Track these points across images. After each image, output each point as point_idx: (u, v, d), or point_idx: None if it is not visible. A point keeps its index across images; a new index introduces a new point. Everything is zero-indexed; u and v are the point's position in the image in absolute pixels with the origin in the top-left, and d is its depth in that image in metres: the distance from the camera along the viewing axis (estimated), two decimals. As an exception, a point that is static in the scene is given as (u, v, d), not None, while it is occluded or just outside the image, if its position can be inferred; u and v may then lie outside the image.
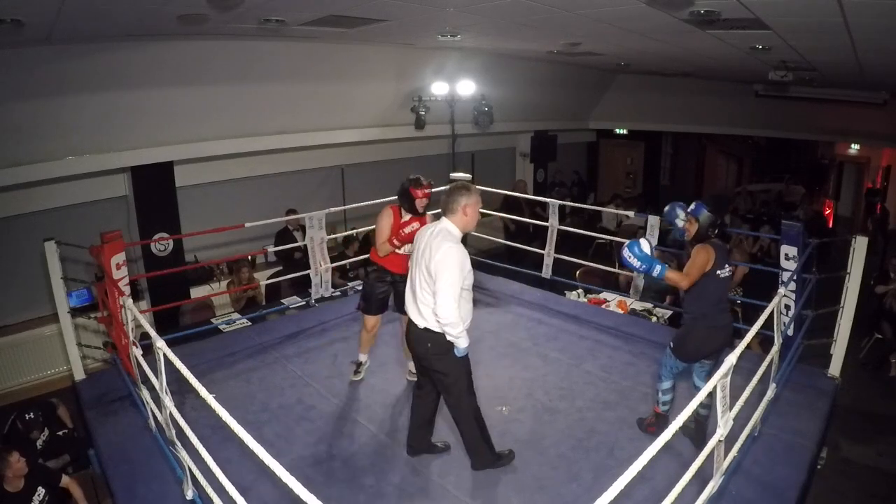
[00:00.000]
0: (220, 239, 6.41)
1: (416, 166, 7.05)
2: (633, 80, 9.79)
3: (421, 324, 2.74)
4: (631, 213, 5.67)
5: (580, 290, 5.57)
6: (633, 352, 4.23)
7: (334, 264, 5.34)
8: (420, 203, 3.54)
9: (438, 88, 7.21)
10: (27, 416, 3.93)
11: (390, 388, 3.78)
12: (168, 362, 2.33)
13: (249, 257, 6.37)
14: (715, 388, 2.11)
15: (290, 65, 5.94)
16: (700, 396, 2.05)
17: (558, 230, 5.29)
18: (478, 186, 6.37)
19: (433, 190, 3.61)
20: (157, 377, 2.47)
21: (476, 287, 5.45)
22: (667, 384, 3.12)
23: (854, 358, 5.43)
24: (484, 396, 3.60)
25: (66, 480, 3.51)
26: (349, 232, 6.41)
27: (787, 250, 3.99)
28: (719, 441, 2.17)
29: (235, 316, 4.96)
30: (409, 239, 3.34)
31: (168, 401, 2.44)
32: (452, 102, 7.48)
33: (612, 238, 6.73)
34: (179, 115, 5.65)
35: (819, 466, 3.22)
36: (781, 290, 3.14)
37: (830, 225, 10.76)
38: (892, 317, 5.99)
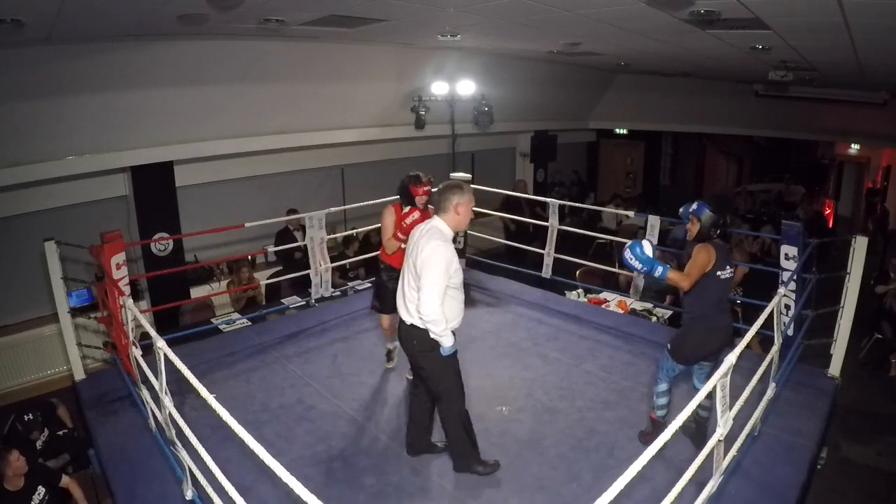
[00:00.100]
0: (220, 239, 6.41)
1: (416, 166, 7.02)
2: (633, 80, 9.79)
3: (408, 320, 2.75)
4: (631, 213, 5.67)
5: (580, 290, 5.57)
6: (633, 352, 4.23)
7: (334, 264, 5.34)
8: (420, 200, 3.56)
9: (438, 88, 7.21)
10: (26, 418, 3.93)
11: (390, 388, 3.78)
12: (168, 362, 2.33)
13: (249, 257, 6.37)
14: (715, 387, 2.11)
15: (290, 65, 5.94)
16: (700, 396, 2.05)
17: (558, 230, 5.30)
18: (478, 186, 6.38)
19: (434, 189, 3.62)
20: (157, 377, 2.47)
21: (476, 287, 5.53)
22: (663, 387, 3.07)
23: (854, 358, 5.43)
24: (484, 396, 3.63)
25: (66, 480, 3.51)
26: (349, 232, 6.41)
27: (787, 250, 3.99)
28: (719, 441, 2.17)
29: (235, 316, 4.96)
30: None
31: (168, 401, 2.45)
32: (452, 102, 7.48)
33: (612, 238, 6.73)
34: (179, 115, 5.65)
35: (819, 466, 3.22)
36: (781, 290, 3.14)
37: (830, 225, 10.76)
38: (892, 317, 5.99)
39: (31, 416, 3.96)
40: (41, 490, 3.34)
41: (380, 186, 6.14)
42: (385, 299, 3.72)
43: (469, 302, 5.22)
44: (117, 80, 4.99)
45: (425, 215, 3.46)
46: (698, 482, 2.13)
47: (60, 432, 4.16)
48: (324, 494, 1.54)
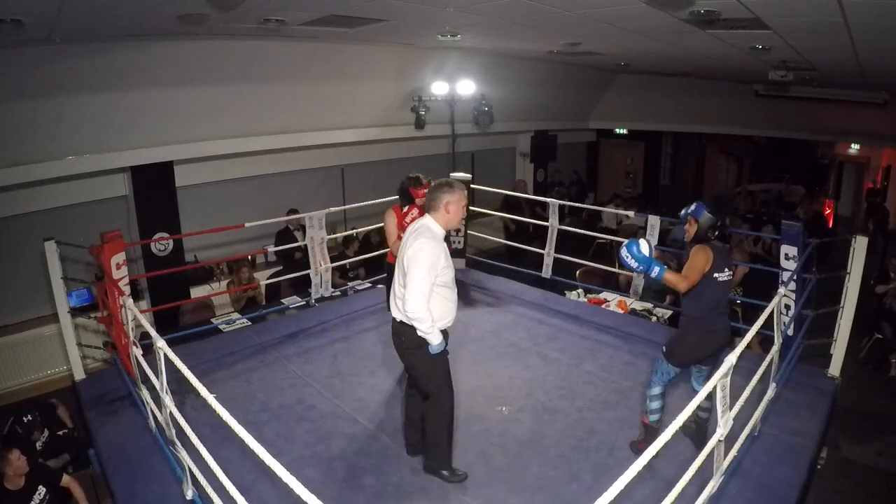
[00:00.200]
0: (220, 239, 6.41)
1: (416, 166, 7.03)
2: (633, 80, 9.79)
3: (397, 317, 2.75)
4: (631, 213, 5.67)
5: (580, 290, 5.57)
6: (633, 352, 4.23)
7: (334, 264, 5.34)
8: (420, 202, 3.56)
9: (438, 88, 7.21)
10: (25, 419, 3.94)
11: (390, 388, 3.78)
12: (168, 362, 2.34)
13: (249, 257, 6.37)
14: (715, 388, 2.11)
15: (290, 65, 5.94)
16: (700, 397, 2.05)
17: (558, 230, 5.30)
18: (478, 186, 6.36)
19: None
20: (157, 377, 2.47)
21: (476, 287, 5.53)
22: (656, 390, 3.00)
23: (854, 358, 5.42)
24: (484, 396, 3.63)
25: (66, 479, 3.51)
26: (349, 232, 6.42)
27: (787, 250, 3.98)
28: (719, 441, 2.17)
29: (235, 316, 4.96)
30: None
31: (168, 400, 2.45)
32: (452, 102, 7.48)
33: (612, 238, 6.73)
34: (179, 115, 5.65)
35: (819, 466, 3.22)
36: (781, 290, 3.14)
37: (830, 225, 10.76)
38: (892, 317, 5.99)
39: (30, 417, 3.96)
40: (42, 490, 3.34)
41: (380, 186, 6.14)
42: None
43: (469, 302, 5.27)
44: (117, 80, 4.99)
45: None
46: (699, 482, 2.13)
47: (60, 432, 4.16)
48: (324, 494, 1.54)
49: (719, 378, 2.11)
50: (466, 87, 7.23)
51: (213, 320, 4.91)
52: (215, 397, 2.05)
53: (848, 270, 3.71)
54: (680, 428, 1.82)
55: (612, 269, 5.59)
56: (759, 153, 13.02)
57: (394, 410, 3.52)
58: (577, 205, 7.62)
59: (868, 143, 10.72)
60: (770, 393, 3.03)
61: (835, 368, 3.74)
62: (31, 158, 4.98)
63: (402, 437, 3.14)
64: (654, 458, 1.64)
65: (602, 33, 4.88)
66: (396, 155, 8.28)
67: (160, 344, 2.36)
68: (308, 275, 5.05)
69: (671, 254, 4.95)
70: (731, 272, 2.90)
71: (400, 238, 3.51)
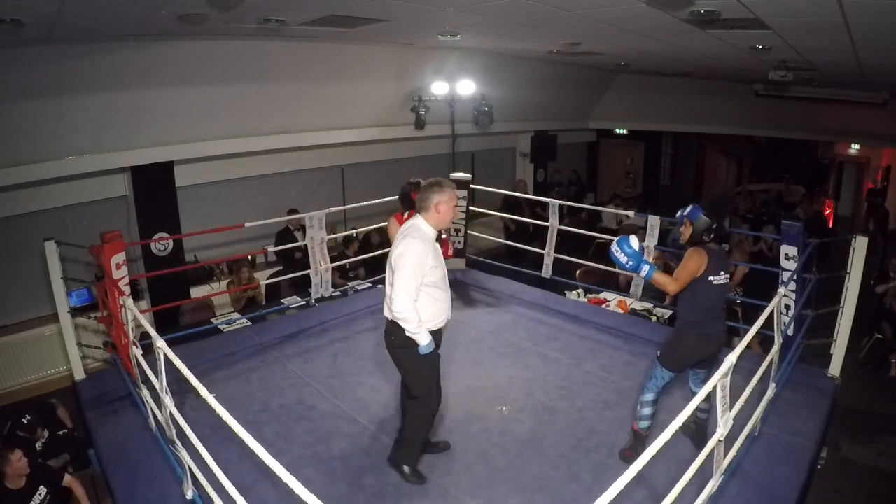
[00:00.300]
0: (220, 239, 6.41)
1: (416, 166, 7.06)
2: (633, 80, 9.79)
3: (388, 316, 2.76)
4: (631, 213, 5.67)
5: (580, 290, 5.57)
6: (633, 352, 4.23)
7: (334, 264, 5.34)
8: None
9: (438, 88, 7.21)
10: (24, 420, 3.94)
11: (390, 388, 3.77)
12: (168, 362, 2.33)
13: (249, 257, 6.37)
14: (715, 387, 2.11)
15: (290, 65, 5.94)
16: (699, 397, 2.05)
17: (558, 230, 5.30)
18: (478, 186, 6.36)
19: None
20: (157, 377, 2.47)
21: (476, 287, 5.52)
22: (649, 396, 2.94)
23: (854, 358, 5.42)
24: (484, 396, 3.63)
25: (68, 479, 3.51)
26: (349, 232, 6.41)
27: (787, 250, 3.98)
28: (719, 441, 2.17)
29: (235, 316, 4.96)
30: None
31: (168, 400, 2.45)
32: (452, 102, 7.48)
33: (612, 238, 6.70)
34: (179, 115, 5.65)
35: (819, 466, 3.22)
36: (781, 290, 3.14)
37: (830, 225, 10.75)
38: (892, 317, 5.99)
39: (28, 418, 3.96)
40: (42, 490, 3.34)
41: (380, 186, 6.15)
42: None
43: (469, 302, 5.27)
44: (117, 80, 4.99)
45: None
46: (698, 482, 2.13)
47: (60, 432, 4.16)
48: (324, 494, 1.54)
49: (719, 378, 2.11)
50: (466, 87, 7.23)
51: (213, 320, 4.91)
52: (215, 397, 2.05)
53: (848, 270, 3.71)
54: (680, 428, 1.81)
55: (612, 270, 5.58)
56: (759, 153, 13.02)
57: (394, 410, 3.51)
58: (577, 205, 7.62)
59: (868, 143, 10.71)
60: (770, 393, 3.03)
61: (835, 368, 3.74)
62: (31, 158, 4.98)
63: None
64: (654, 458, 1.64)
65: (602, 33, 4.88)
66: (396, 155, 8.28)
67: (160, 344, 2.36)
68: (308, 275, 5.05)
69: (671, 254, 4.95)
70: (727, 275, 2.86)
71: None
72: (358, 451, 3.13)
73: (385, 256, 4.01)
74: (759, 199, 10.92)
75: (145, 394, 3.06)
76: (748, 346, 2.60)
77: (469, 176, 5.90)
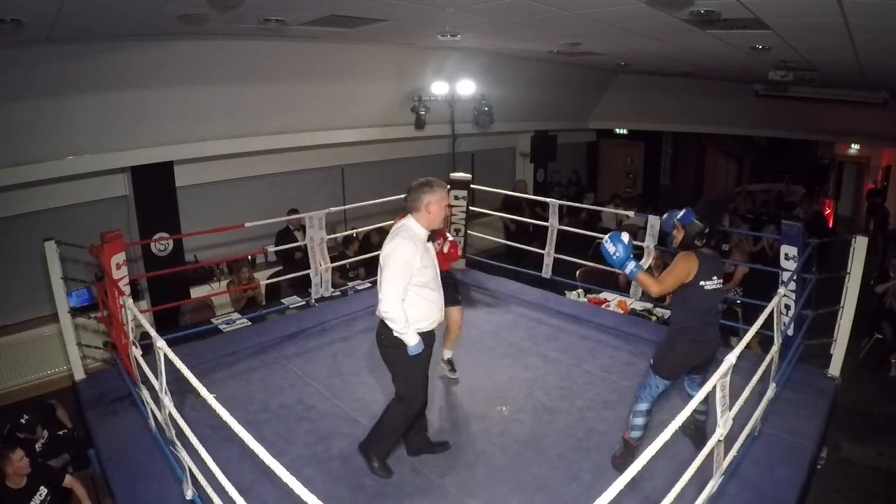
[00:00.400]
0: (220, 239, 6.41)
1: (416, 166, 7.06)
2: (633, 80, 9.79)
3: (379, 315, 2.76)
4: (631, 213, 5.67)
5: (580, 290, 5.57)
6: (633, 352, 4.23)
7: (334, 264, 5.34)
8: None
9: (438, 88, 7.21)
10: (22, 420, 3.94)
11: (390, 388, 3.74)
12: (168, 362, 2.33)
13: (249, 257, 6.37)
14: (714, 387, 2.11)
15: (290, 65, 5.94)
16: (698, 398, 2.05)
17: (558, 230, 5.29)
18: (478, 186, 6.36)
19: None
20: (157, 377, 2.47)
21: (476, 287, 5.52)
22: (643, 406, 2.88)
23: (854, 358, 5.42)
24: (484, 396, 3.63)
25: (69, 480, 3.50)
26: (349, 232, 6.41)
27: (787, 250, 3.98)
28: (719, 441, 2.17)
29: (235, 316, 4.96)
30: None
31: (168, 401, 2.45)
32: (452, 102, 7.48)
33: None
34: (179, 115, 5.65)
35: (819, 466, 3.22)
36: (781, 290, 3.14)
37: (830, 225, 10.76)
38: (892, 316, 5.99)
39: (26, 417, 3.96)
40: (43, 490, 3.34)
41: (380, 186, 6.15)
42: None
43: (469, 302, 5.27)
44: (117, 80, 4.99)
45: None
46: (698, 482, 2.13)
47: (60, 432, 4.16)
48: (324, 494, 1.54)
49: (719, 378, 2.10)
50: (466, 87, 7.23)
51: (213, 320, 4.91)
52: (215, 397, 2.05)
53: (848, 270, 3.71)
54: (679, 428, 1.81)
55: (612, 270, 5.57)
56: (759, 153, 13.02)
57: (394, 410, 3.51)
58: (577, 205, 7.62)
59: (868, 143, 10.71)
60: (770, 393, 3.03)
61: (835, 368, 3.73)
62: (31, 158, 4.98)
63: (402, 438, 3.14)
64: (654, 457, 1.64)
65: (602, 33, 4.88)
66: (396, 155, 8.29)
67: (160, 344, 2.36)
68: (308, 275, 5.05)
69: (671, 255, 4.95)
70: (720, 280, 2.79)
71: None
72: (358, 451, 3.12)
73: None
74: (759, 199, 10.91)
75: (145, 394, 3.06)
76: (748, 346, 2.60)
77: (469, 176, 5.90)
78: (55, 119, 4.91)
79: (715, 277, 2.76)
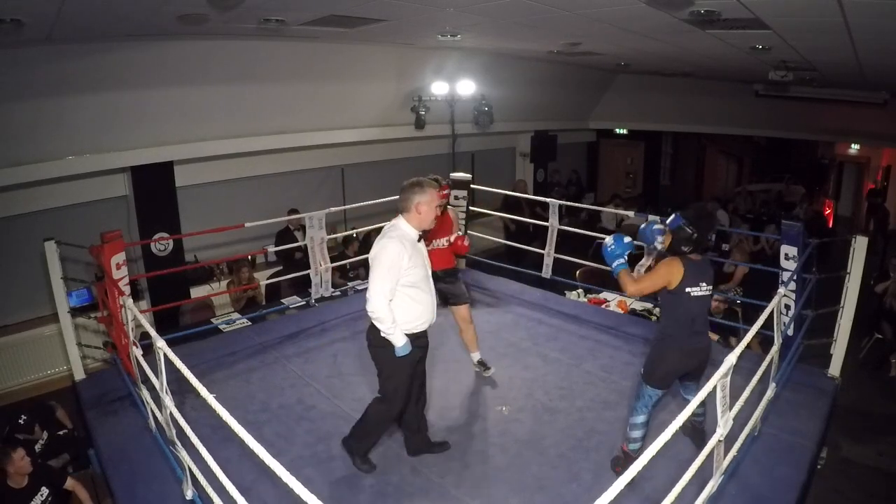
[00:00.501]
0: (220, 239, 6.41)
1: (416, 166, 7.05)
2: (633, 80, 9.79)
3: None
4: (631, 213, 5.67)
5: (580, 290, 5.57)
6: (633, 352, 4.23)
7: (334, 264, 5.34)
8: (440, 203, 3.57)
9: (438, 88, 7.21)
10: (20, 420, 3.94)
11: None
12: (168, 362, 2.33)
13: (249, 257, 6.37)
14: (714, 387, 2.11)
15: (290, 65, 5.94)
16: (697, 399, 2.04)
17: (558, 230, 5.29)
18: (478, 186, 6.35)
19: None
20: (157, 377, 2.47)
21: (476, 287, 5.52)
22: (640, 418, 2.82)
23: (854, 358, 5.42)
24: (484, 396, 3.63)
25: (70, 482, 3.50)
26: (349, 232, 6.41)
27: (787, 250, 3.98)
28: (719, 441, 2.17)
29: (235, 316, 4.96)
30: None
31: (168, 401, 2.44)
32: (452, 102, 7.48)
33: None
34: (179, 115, 5.65)
35: (819, 466, 3.21)
36: (781, 290, 3.13)
37: (830, 225, 10.76)
38: (892, 316, 5.99)
39: (25, 417, 3.96)
40: (45, 491, 3.34)
41: (380, 186, 6.14)
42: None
43: (469, 302, 5.25)
44: (117, 80, 4.99)
45: (443, 217, 3.47)
46: (698, 482, 2.13)
47: (60, 432, 4.16)
48: (324, 494, 1.54)
49: (719, 378, 2.10)
50: (466, 87, 7.23)
51: (213, 320, 4.91)
52: (215, 397, 2.05)
53: (848, 270, 3.70)
54: (679, 428, 1.81)
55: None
56: (759, 153, 13.02)
57: (394, 410, 3.51)
58: (577, 205, 7.62)
59: (868, 143, 10.71)
60: (770, 393, 3.03)
61: (835, 368, 3.73)
62: (31, 158, 4.98)
63: (402, 437, 3.14)
64: (654, 457, 1.64)
65: (602, 33, 4.88)
66: (396, 155, 8.29)
67: (160, 344, 2.36)
68: (308, 275, 5.05)
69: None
70: (709, 287, 2.73)
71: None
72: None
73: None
74: (759, 199, 10.92)
75: (145, 394, 3.06)
76: (748, 346, 2.59)
77: (469, 176, 5.90)
78: (55, 119, 4.91)
79: (703, 284, 2.70)
